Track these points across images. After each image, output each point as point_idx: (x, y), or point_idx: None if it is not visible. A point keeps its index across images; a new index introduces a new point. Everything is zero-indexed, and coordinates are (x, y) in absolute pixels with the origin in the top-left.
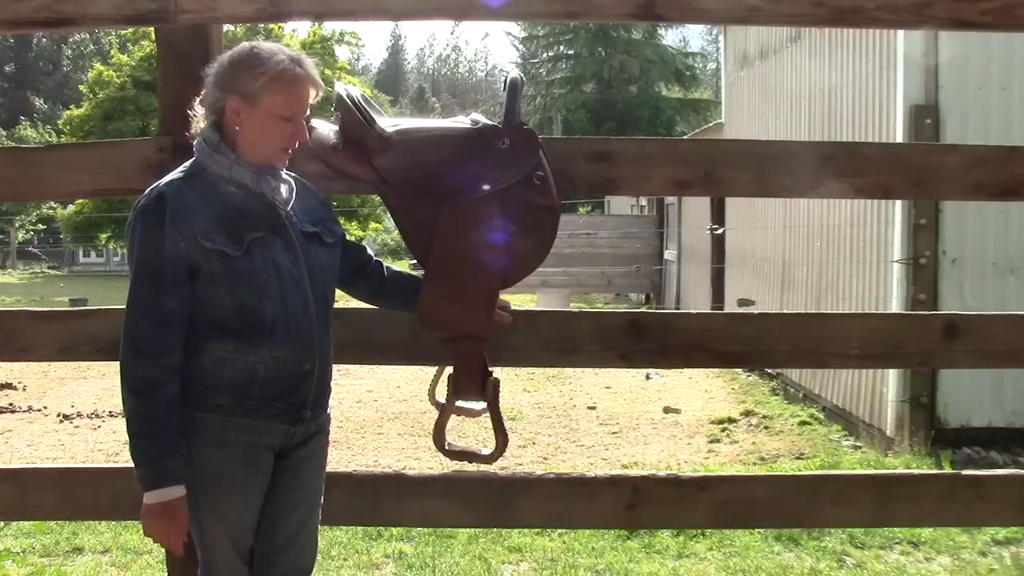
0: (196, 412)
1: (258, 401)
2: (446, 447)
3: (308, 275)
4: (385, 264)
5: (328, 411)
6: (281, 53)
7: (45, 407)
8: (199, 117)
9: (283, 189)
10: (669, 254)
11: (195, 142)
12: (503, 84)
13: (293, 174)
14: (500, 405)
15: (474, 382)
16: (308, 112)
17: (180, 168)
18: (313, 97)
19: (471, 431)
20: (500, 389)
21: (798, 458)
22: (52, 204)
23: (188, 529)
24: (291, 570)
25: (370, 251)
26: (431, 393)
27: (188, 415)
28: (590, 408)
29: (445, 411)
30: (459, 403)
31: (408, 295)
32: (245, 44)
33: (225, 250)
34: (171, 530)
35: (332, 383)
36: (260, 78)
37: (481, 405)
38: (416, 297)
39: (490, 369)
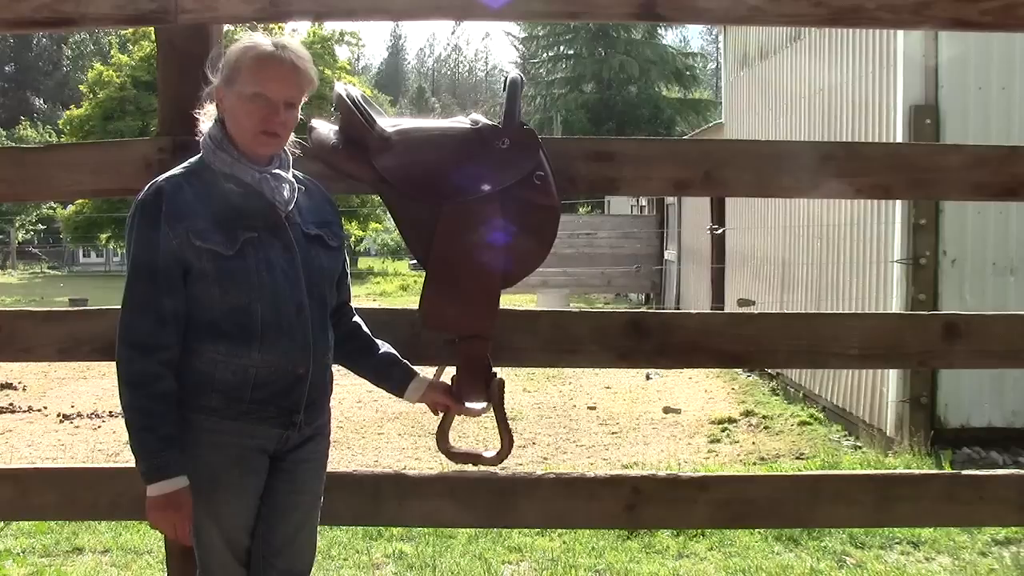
0: (189, 413)
1: (249, 404)
2: (450, 450)
3: (306, 278)
4: (363, 327)
5: (328, 414)
6: (268, 42)
7: (45, 407)
8: (205, 115)
9: (285, 189)
10: (669, 254)
11: (201, 139)
12: (503, 84)
13: (304, 175)
14: (502, 408)
15: (477, 382)
16: (295, 98)
17: (185, 163)
18: (297, 81)
19: (472, 431)
20: (502, 390)
21: (798, 458)
22: (52, 204)
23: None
24: (288, 572)
25: (351, 306)
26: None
27: (181, 416)
28: (590, 408)
29: (448, 412)
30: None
31: (373, 363)
32: (240, 35)
33: (217, 249)
34: (177, 521)
35: (333, 384)
36: (238, 62)
37: (482, 405)
38: (385, 371)
39: (494, 369)
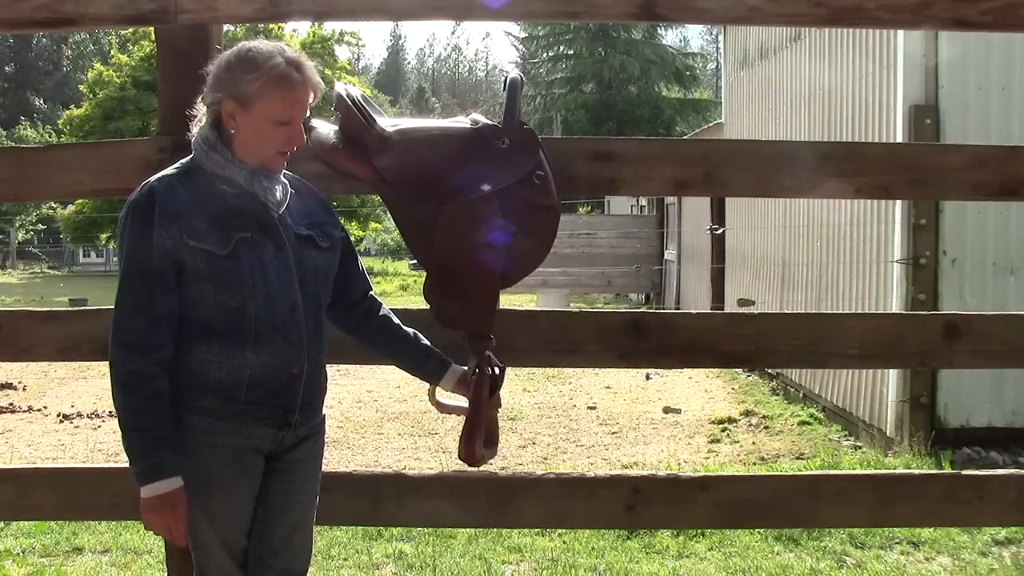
0: (183, 414)
1: (244, 404)
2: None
3: (299, 277)
4: (393, 318)
5: (323, 413)
6: (279, 55)
7: (45, 407)
8: (200, 115)
9: (277, 190)
10: (669, 254)
11: (193, 140)
12: (503, 84)
13: (295, 175)
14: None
15: (482, 380)
16: (308, 114)
17: (176, 164)
18: (311, 100)
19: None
20: (483, 387)
21: (798, 458)
22: (52, 204)
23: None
24: (285, 573)
25: (374, 296)
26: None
27: (176, 416)
28: (590, 408)
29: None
30: (444, 400)
31: (410, 356)
32: (243, 44)
33: (210, 249)
34: (171, 522)
35: (331, 383)
36: (255, 82)
37: (458, 403)
38: (420, 362)
39: (495, 370)
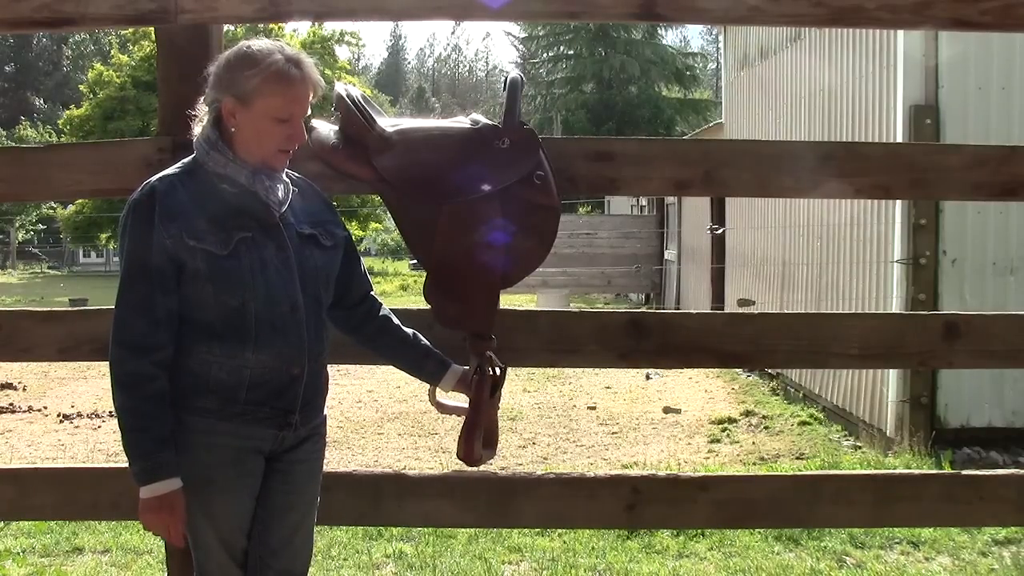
0: (184, 414)
1: (244, 405)
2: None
3: (300, 277)
4: (393, 319)
5: (324, 414)
6: (278, 53)
7: (45, 407)
8: (201, 115)
9: (279, 189)
10: (669, 254)
11: (195, 139)
12: (503, 84)
13: (297, 175)
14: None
15: (484, 379)
16: (308, 112)
17: (179, 163)
18: (311, 98)
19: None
20: (484, 387)
21: (798, 458)
22: (52, 204)
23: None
24: (285, 573)
25: (374, 296)
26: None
27: (176, 417)
28: (590, 408)
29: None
30: (444, 401)
31: (409, 357)
32: (242, 43)
33: (210, 249)
34: (170, 522)
35: (331, 383)
36: (254, 79)
37: (456, 404)
38: (419, 363)
39: (496, 370)
